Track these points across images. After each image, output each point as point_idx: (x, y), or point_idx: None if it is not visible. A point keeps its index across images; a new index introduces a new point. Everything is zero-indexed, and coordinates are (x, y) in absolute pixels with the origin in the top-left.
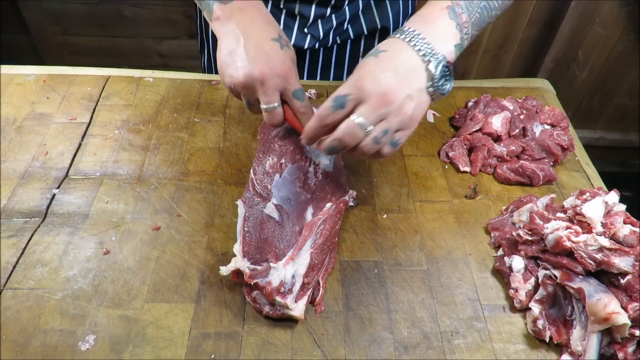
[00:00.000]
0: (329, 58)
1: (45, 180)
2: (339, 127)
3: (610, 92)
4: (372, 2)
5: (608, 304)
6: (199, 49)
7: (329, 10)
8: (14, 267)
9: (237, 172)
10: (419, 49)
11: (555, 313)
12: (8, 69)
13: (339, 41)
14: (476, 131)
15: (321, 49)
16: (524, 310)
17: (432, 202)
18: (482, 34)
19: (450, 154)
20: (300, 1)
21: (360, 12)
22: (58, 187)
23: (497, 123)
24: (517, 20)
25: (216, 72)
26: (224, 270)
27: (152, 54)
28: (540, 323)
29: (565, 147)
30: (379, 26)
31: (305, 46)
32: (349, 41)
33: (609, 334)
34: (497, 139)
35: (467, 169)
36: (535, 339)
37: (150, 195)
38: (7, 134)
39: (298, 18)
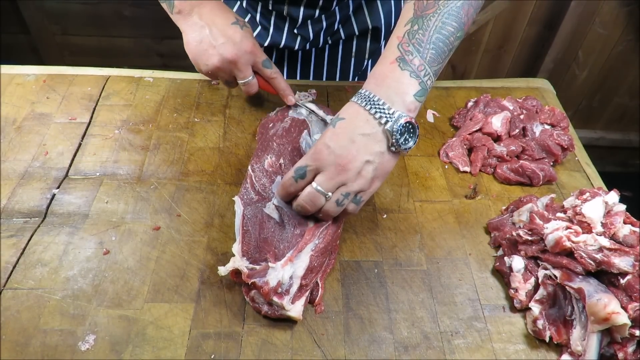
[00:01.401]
0: (321, 58)
1: (45, 180)
2: (301, 194)
3: (610, 92)
4: (363, 2)
5: (608, 304)
6: None
7: (317, 12)
8: (14, 267)
9: (237, 172)
10: (375, 112)
11: (555, 313)
12: (8, 69)
13: (330, 42)
14: (476, 131)
15: (313, 49)
16: (524, 310)
17: (432, 202)
18: (482, 34)
19: (450, 154)
20: (288, 3)
21: (351, 13)
22: (58, 187)
23: (497, 123)
24: (517, 20)
25: None
26: (222, 271)
27: (152, 54)
28: (540, 323)
29: (565, 147)
30: (370, 26)
31: (296, 47)
32: (341, 41)
33: (609, 334)
34: (497, 139)
35: (467, 169)
36: (535, 339)
37: (150, 195)
38: (7, 134)
39: (288, 19)
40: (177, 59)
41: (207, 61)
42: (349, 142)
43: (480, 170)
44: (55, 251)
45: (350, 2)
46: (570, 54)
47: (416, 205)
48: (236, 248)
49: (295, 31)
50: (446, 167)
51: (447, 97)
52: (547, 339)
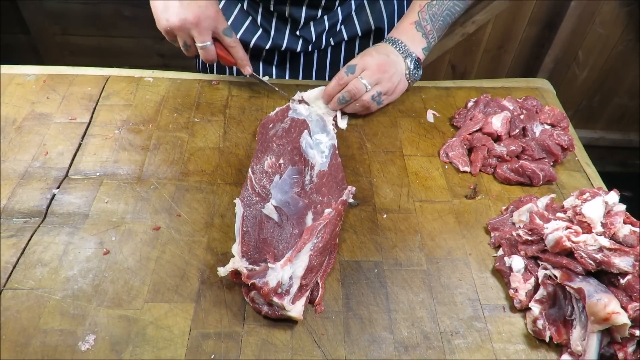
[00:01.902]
0: (323, 60)
1: (45, 180)
2: (348, 85)
3: (610, 92)
4: (365, 2)
5: (608, 304)
6: None
7: (320, 12)
8: (14, 267)
9: (237, 172)
10: (400, 50)
11: (555, 313)
12: (8, 69)
13: (332, 43)
14: (476, 131)
15: (315, 51)
16: (524, 310)
17: (432, 202)
18: (482, 34)
19: (450, 154)
20: (290, 3)
21: (353, 13)
22: (58, 187)
23: (497, 123)
24: (517, 20)
25: (211, 72)
26: (222, 272)
27: (152, 54)
28: (540, 323)
29: (565, 147)
30: (373, 27)
31: (298, 49)
32: (343, 43)
33: (609, 334)
34: (497, 139)
35: (467, 169)
36: (535, 339)
37: (150, 195)
38: (7, 134)
39: (289, 21)
40: (177, 59)
41: (169, 18)
42: (386, 56)
43: (480, 170)
44: (55, 251)
45: (352, 1)
46: (570, 54)
47: (416, 205)
48: (236, 249)
49: (297, 33)
50: (446, 167)
51: (447, 97)
52: (547, 339)
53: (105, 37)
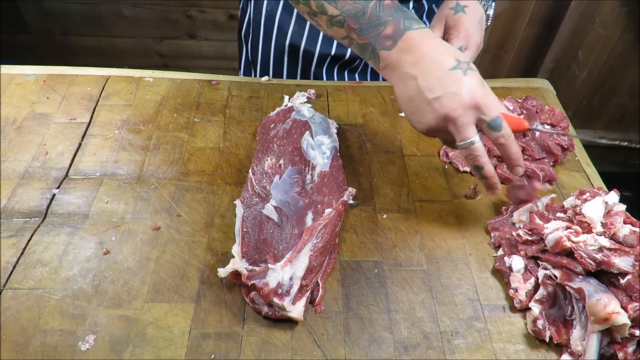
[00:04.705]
0: None
1: (45, 180)
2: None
3: (610, 92)
4: None
5: (608, 304)
6: (238, 52)
7: None
8: (14, 267)
9: (237, 172)
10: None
11: (555, 313)
12: (8, 69)
13: None
14: None
15: None
16: (524, 310)
17: (432, 202)
18: None
19: (450, 154)
20: None
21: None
22: (58, 187)
23: None
24: (517, 20)
25: (254, 75)
26: (222, 273)
27: (152, 54)
28: (540, 323)
29: (565, 147)
30: None
31: None
32: None
33: (609, 334)
34: None
35: (467, 169)
36: (535, 339)
37: (150, 195)
38: (7, 134)
39: None
40: (177, 59)
41: (420, 119)
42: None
43: None
44: (55, 251)
45: None
46: (570, 54)
47: (416, 205)
48: (236, 249)
49: None
50: (446, 167)
51: None
52: (547, 339)
53: (105, 37)
